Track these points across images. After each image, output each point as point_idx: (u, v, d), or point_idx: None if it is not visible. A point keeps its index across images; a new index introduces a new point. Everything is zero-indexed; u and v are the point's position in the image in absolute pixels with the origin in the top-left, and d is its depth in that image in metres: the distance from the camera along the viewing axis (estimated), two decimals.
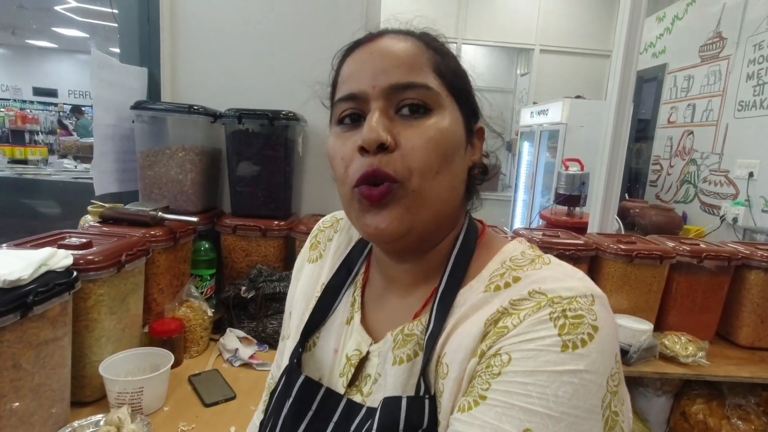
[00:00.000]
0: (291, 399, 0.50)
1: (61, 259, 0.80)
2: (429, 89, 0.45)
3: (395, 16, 0.54)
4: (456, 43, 5.21)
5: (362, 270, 0.58)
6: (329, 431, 0.47)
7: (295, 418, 0.49)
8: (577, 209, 2.26)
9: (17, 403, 0.75)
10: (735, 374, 1.29)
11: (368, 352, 0.50)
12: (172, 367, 1.09)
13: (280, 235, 1.39)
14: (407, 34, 0.50)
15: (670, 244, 1.48)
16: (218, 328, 1.31)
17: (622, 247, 1.40)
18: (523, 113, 4.38)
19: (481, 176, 0.55)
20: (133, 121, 1.33)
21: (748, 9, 3.00)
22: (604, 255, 1.43)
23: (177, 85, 1.47)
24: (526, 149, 4.32)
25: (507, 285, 0.44)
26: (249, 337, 1.25)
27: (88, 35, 7.54)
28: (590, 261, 1.45)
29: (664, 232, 2.86)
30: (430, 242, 0.51)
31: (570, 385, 0.36)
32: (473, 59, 5.92)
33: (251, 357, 1.18)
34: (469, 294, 0.46)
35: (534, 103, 4.45)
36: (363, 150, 0.44)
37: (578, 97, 3.54)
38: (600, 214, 1.64)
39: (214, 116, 1.37)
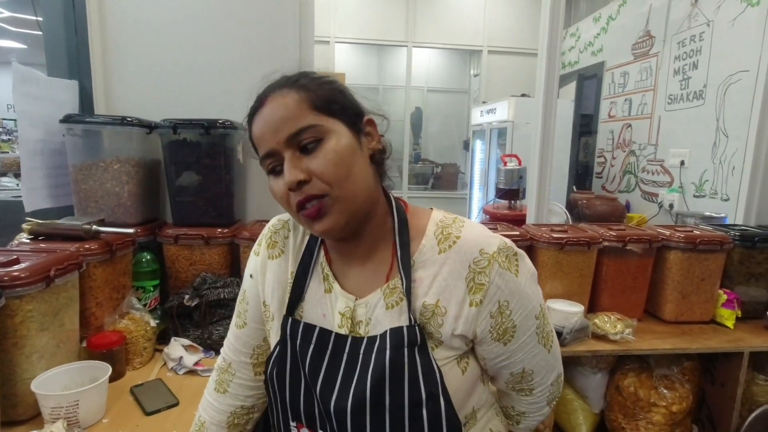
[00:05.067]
0: (312, 344, 0.68)
1: None
2: (313, 126, 0.61)
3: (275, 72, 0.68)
4: (406, 46, 5.30)
5: (322, 253, 0.74)
6: (345, 359, 0.66)
7: (318, 357, 0.67)
8: (517, 202, 2.36)
9: None
10: (658, 347, 1.40)
11: (354, 306, 0.69)
12: (114, 379, 1.09)
13: (224, 242, 1.40)
14: (286, 86, 0.63)
15: (599, 230, 1.58)
16: (164, 338, 1.31)
17: (554, 235, 1.49)
18: (474, 113, 4.51)
19: (381, 157, 0.70)
20: (63, 135, 1.31)
21: (672, 9, 3.22)
22: (538, 244, 1.51)
23: (110, 96, 1.45)
24: (479, 147, 4.45)
25: (453, 243, 0.67)
26: (194, 345, 1.25)
27: (25, 46, 7.18)
28: (526, 250, 1.53)
29: (610, 220, 3.02)
30: (364, 223, 0.68)
31: (527, 288, 0.68)
32: (428, 61, 6.04)
33: (196, 364, 1.19)
34: (426, 252, 0.67)
35: (483, 102, 4.59)
36: (290, 189, 0.61)
37: (523, 95, 3.68)
38: (536, 206, 1.73)
39: (150, 127, 1.37)
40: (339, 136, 0.62)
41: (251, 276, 0.80)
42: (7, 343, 0.89)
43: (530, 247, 1.54)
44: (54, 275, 0.94)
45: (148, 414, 0.98)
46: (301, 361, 0.68)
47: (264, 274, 0.77)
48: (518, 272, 0.67)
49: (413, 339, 0.64)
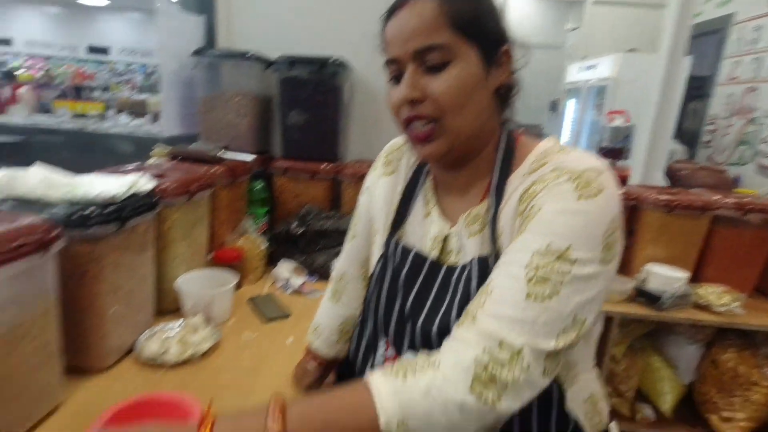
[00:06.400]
0: (407, 267, 0.69)
1: (145, 183, 0.92)
2: (443, 47, 0.57)
3: None
4: None
5: (429, 178, 0.74)
6: (437, 286, 0.66)
7: (412, 279, 0.68)
8: (619, 162, 2.22)
9: (115, 307, 0.88)
10: None
11: (448, 234, 0.68)
12: (235, 289, 1.23)
13: (328, 177, 1.48)
14: None
15: (713, 197, 1.46)
16: (271, 261, 1.44)
17: (662, 197, 1.41)
18: (570, 69, 4.21)
19: (507, 94, 0.66)
20: (192, 68, 1.42)
21: None
22: (642, 205, 1.44)
23: (232, 32, 1.54)
24: (571, 107, 4.18)
25: (540, 166, 0.60)
26: (300, 267, 1.37)
27: None
28: (629, 211, 1.47)
29: None
30: (470, 155, 0.66)
31: (582, 218, 0.53)
32: (519, 14, 5.66)
33: (301, 286, 1.30)
34: (514, 181, 0.63)
35: (584, 57, 4.25)
36: (402, 104, 0.60)
37: (632, 50, 3.36)
38: (643, 168, 1.63)
39: (267, 63, 1.44)
40: (468, 63, 0.59)
41: (366, 189, 0.83)
42: (159, 245, 1.03)
43: (634, 207, 1.47)
44: (194, 190, 1.06)
45: (267, 320, 1.11)
46: (397, 281, 0.70)
47: (376, 188, 0.80)
48: (580, 197, 0.53)
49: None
